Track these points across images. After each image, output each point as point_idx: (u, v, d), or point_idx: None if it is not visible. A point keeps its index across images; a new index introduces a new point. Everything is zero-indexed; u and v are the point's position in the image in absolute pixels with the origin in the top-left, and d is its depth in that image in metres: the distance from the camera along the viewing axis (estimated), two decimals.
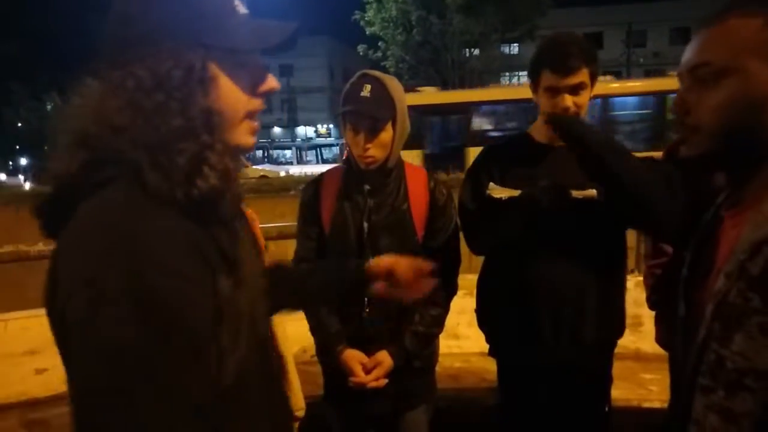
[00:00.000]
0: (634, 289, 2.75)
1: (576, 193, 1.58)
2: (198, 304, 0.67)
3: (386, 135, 1.56)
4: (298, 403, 1.60)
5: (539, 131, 1.72)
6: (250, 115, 0.79)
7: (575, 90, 1.57)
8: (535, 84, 1.65)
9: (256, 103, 0.80)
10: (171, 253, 0.65)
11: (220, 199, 0.75)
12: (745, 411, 0.70)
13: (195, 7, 0.73)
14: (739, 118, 0.79)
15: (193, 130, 0.71)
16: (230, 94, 0.76)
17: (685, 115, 0.84)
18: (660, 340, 1.94)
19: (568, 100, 1.57)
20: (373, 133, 1.55)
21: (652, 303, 1.95)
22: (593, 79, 1.60)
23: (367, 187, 1.63)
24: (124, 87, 0.70)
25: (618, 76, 31.31)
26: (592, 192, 1.57)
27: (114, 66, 0.71)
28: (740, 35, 0.78)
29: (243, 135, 0.79)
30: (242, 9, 0.79)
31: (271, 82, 0.80)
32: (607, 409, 1.77)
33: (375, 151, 1.56)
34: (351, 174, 1.67)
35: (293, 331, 1.83)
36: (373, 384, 1.58)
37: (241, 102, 0.77)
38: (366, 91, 1.54)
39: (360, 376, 1.58)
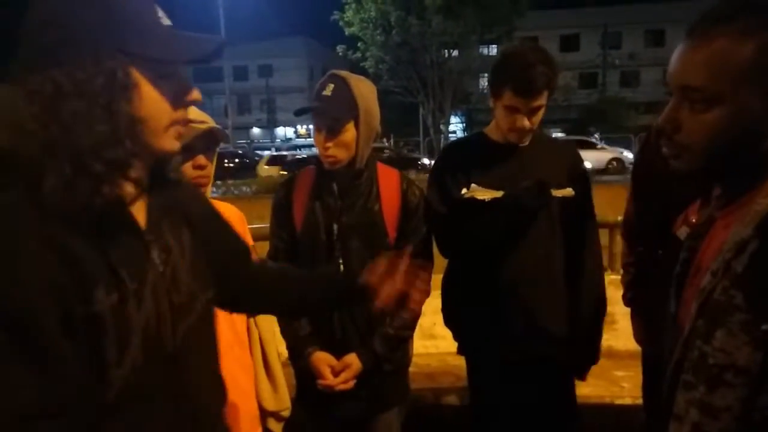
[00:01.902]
0: (608, 288, 2.79)
1: (556, 193, 1.62)
2: (35, 310, 0.67)
3: (348, 135, 1.55)
4: (284, 403, 1.60)
5: (496, 133, 1.75)
6: (174, 123, 0.81)
7: (534, 111, 1.62)
8: (495, 96, 1.67)
9: (181, 113, 0.82)
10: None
11: (125, 206, 0.79)
12: (724, 406, 0.72)
13: (118, 15, 0.73)
14: (731, 143, 0.79)
15: (118, 136, 0.72)
16: (153, 102, 0.77)
17: (674, 132, 0.83)
18: (638, 336, 1.97)
19: (526, 122, 1.62)
20: (332, 132, 1.55)
21: (628, 300, 1.98)
22: (550, 96, 1.65)
23: (336, 187, 1.62)
24: (41, 93, 0.69)
25: (594, 77, 31.87)
26: (570, 191, 1.63)
27: (30, 71, 0.70)
28: (733, 62, 0.76)
29: (168, 141, 0.81)
30: (165, 21, 0.80)
31: (195, 93, 0.82)
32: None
33: (335, 151, 1.56)
34: (321, 175, 1.66)
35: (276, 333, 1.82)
36: (341, 387, 1.57)
37: (165, 111, 0.79)
38: (328, 90, 1.54)
39: (328, 379, 1.57)
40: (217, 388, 0.96)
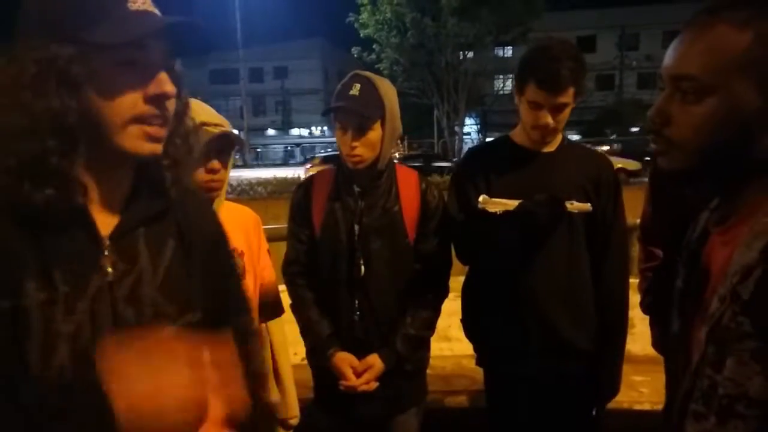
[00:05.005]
0: None
1: (571, 207, 1.57)
2: None
3: (374, 134, 1.56)
4: (292, 410, 1.60)
5: (521, 136, 1.71)
6: (139, 119, 0.73)
7: (558, 108, 1.56)
8: (519, 91, 1.62)
9: (146, 107, 0.73)
10: None
11: (83, 207, 0.73)
12: None
13: (65, 2, 0.69)
14: (722, 138, 0.74)
15: (35, 131, 0.67)
16: (108, 94, 0.70)
17: (663, 126, 0.79)
18: (656, 344, 1.93)
19: (549, 119, 1.56)
20: (360, 131, 1.55)
21: (645, 306, 1.93)
22: (577, 96, 1.57)
23: (357, 188, 1.63)
24: None
25: (611, 79, 31.57)
26: (587, 206, 1.58)
27: None
28: (728, 51, 0.72)
29: (129, 140, 0.73)
30: (142, 6, 0.72)
31: (162, 85, 0.73)
32: (594, 412, 1.78)
33: (362, 150, 1.56)
34: (342, 175, 1.66)
35: (289, 334, 1.82)
36: (364, 387, 1.57)
37: (124, 104, 0.71)
38: (355, 90, 1.55)
39: (351, 380, 1.57)
40: None
